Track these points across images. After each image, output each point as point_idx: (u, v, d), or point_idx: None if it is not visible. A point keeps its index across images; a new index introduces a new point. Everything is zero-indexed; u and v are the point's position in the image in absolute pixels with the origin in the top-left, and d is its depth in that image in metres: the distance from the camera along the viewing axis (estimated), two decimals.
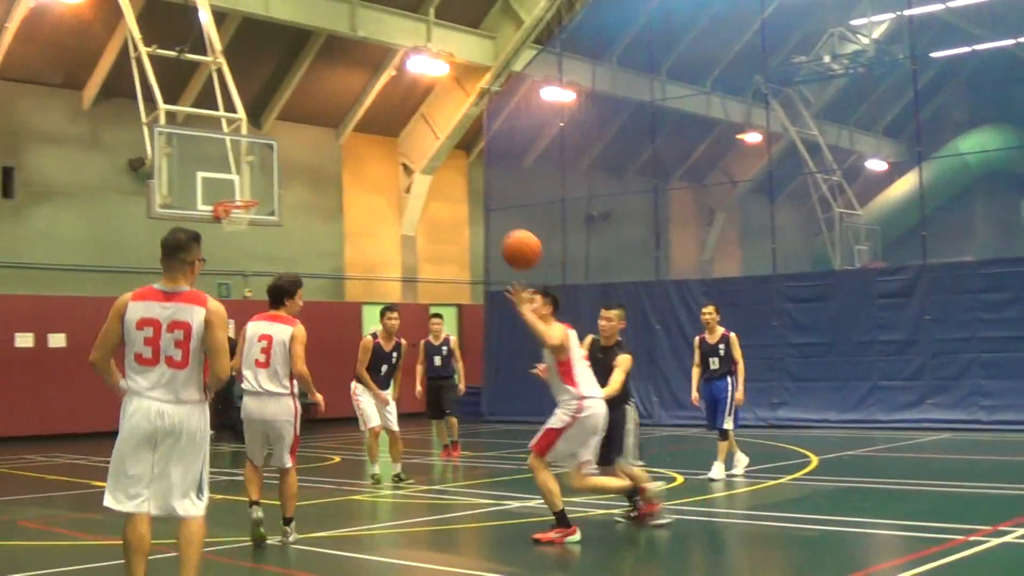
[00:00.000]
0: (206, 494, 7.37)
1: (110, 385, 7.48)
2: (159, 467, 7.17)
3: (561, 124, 29.64)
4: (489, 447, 21.92)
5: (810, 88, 39.79)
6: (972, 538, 10.05)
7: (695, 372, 15.66)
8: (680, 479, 14.89)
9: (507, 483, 15.39)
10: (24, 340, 24.08)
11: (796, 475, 15.48)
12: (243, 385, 10.74)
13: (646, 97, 29.01)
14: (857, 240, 39.29)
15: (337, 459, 18.81)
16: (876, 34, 36.47)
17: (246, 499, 10.70)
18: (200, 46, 21.25)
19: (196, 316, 7.19)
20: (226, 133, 20.39)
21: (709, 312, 15.74)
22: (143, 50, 20.09)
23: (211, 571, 9.92)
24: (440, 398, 18.41)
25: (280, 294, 10.77)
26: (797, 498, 13.64)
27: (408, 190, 31.62)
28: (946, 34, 36.76)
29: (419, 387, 18.44)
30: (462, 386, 18.72)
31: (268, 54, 27.14)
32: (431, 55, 27.79)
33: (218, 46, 21.19)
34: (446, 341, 18.50)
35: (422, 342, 18.48)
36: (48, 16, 23.39)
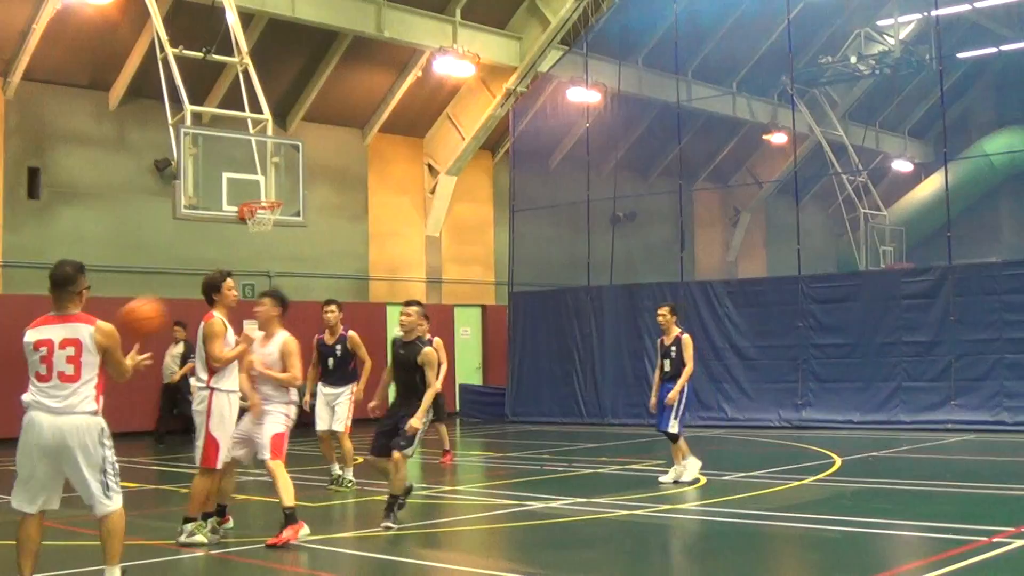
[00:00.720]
0: (116, 489, 8.08)
1: None
2: (61, 474, 8.00)
3: (587, 125, 29.61)
4: (512, 448, 21.94)
5: (836, 89, 39.75)
6: (996, 539, 10.03)
7: (656, 375, 15.33)
8: (703, 480, 14.90)
9: (530, 484, 15.39)
10: None
11: (819, 476, 15.46)
12: None
13: (672, 98, 28.94)
14: (882, 241, 39.21)
15: (360, 459, 18.80)
16: (902, 35, 36.39)
17: (259, 499, 10.76)
18: (226, 47, 21.28)
19: (84, 333, 8.00)
20: (252, 134, 20.40)
21: (663, 313, 15.28)
22: (169, 51, 20.12)
23: (228, 571, 9.99)
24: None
25: (207, 291, 10.96)
26: (820, 499, 13.61)
27: (433, 191, 31.65)
28: (973, 35, 36.75)
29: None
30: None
31: (294, 55, 27.19)
32: (457, 56, 27.76)
33: (244, 47, 21.21)
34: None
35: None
36: (75, 17, 23.47)
